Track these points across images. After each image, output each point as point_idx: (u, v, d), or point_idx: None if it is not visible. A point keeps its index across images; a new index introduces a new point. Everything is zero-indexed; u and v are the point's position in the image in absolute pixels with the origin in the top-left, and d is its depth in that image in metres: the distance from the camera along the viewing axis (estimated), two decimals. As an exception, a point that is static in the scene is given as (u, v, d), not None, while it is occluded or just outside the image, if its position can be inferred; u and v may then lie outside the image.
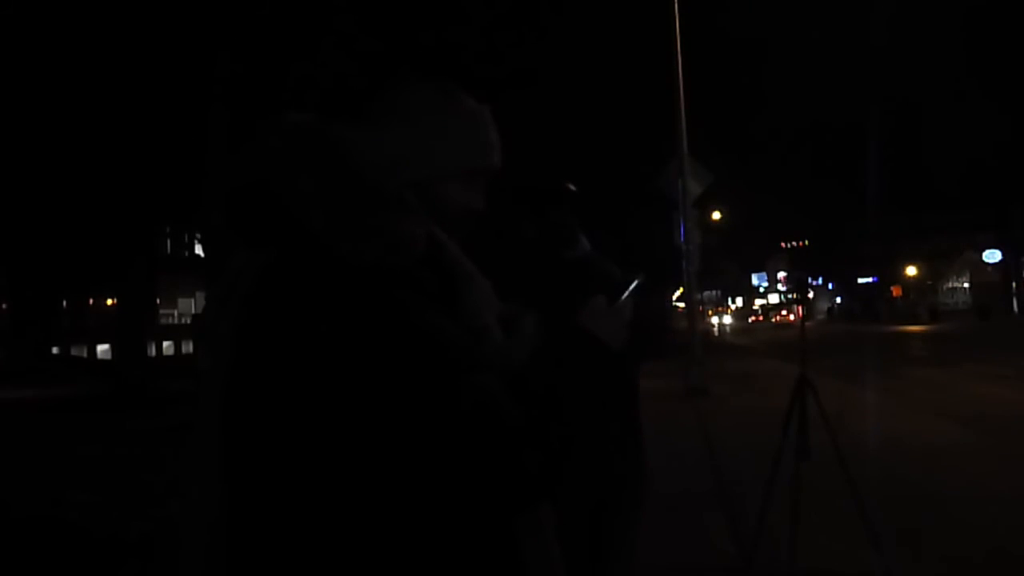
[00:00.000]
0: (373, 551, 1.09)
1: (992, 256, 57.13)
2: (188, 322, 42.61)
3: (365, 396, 1.07)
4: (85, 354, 38.46)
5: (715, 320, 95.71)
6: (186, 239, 39.03)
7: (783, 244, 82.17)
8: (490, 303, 1.28)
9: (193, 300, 43.17)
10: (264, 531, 1.12)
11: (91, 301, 41.35)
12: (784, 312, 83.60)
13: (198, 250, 36.55)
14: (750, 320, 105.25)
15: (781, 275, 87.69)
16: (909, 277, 70.15)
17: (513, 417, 1.10)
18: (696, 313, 16.26)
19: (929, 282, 70.77)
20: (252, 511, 1.13)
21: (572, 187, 2.69)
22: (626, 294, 1.36)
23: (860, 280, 71.68)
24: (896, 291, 70.99)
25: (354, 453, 1.08)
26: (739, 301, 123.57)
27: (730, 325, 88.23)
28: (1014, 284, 50.99)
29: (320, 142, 1.20)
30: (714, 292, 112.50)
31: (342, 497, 1.09)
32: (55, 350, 36.14)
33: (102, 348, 38.19)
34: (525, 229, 2.67)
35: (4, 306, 35.72)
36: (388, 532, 1.09)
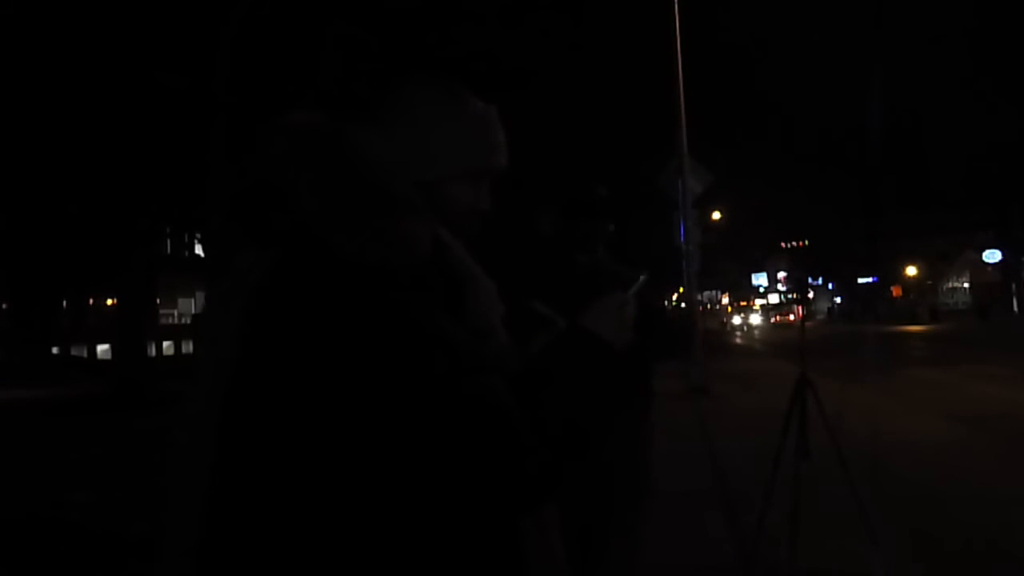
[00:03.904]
0: (377, 550, 1.10)
1: (992, 256, 57.12)
2: (188, 322, 42.55)
3: (369, 396, 1.08)
4: (85, 354, 38.47)
5: (737, 320, 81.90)
6: (186, 239, 39.00)
7: (783, 244, 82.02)
8: (494, 304, 1.28)
9: (193, 300, 43.15)
10: (266, 531, 1.11)
11: (91, 301, 41.34)
12: (783, 313, 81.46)
13: (198, 250, 36.59)
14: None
15: (781, 275, 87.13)
16: (909, 277, 70.16)
17: (517, 418, 1.10)
18: (696, 313, 16.25)
19: (929, 282, 70.76)
20: (253, 509, 1.13)
21: (604, 193, 2.70)
22: (630, 292, 1.36)
23: (860, 280, 71.66)
24: (896, 291, 71.00)
25: (358, 453, 1.09)
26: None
27: (759, 327, 72.13)
28: (1014, 284, 50.96)
29: (327, 142, 1.20)
30: (714, 292, 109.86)
31: (346, 496, 1.09)
32: (55, 350, 36.14)
33: (102, 348, 38.19)
34: (540, 227, 2.69)
35: (4, 306, 35.71)
36: (393, 531, 1.10)
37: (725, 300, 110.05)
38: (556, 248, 2.64)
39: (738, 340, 44.94)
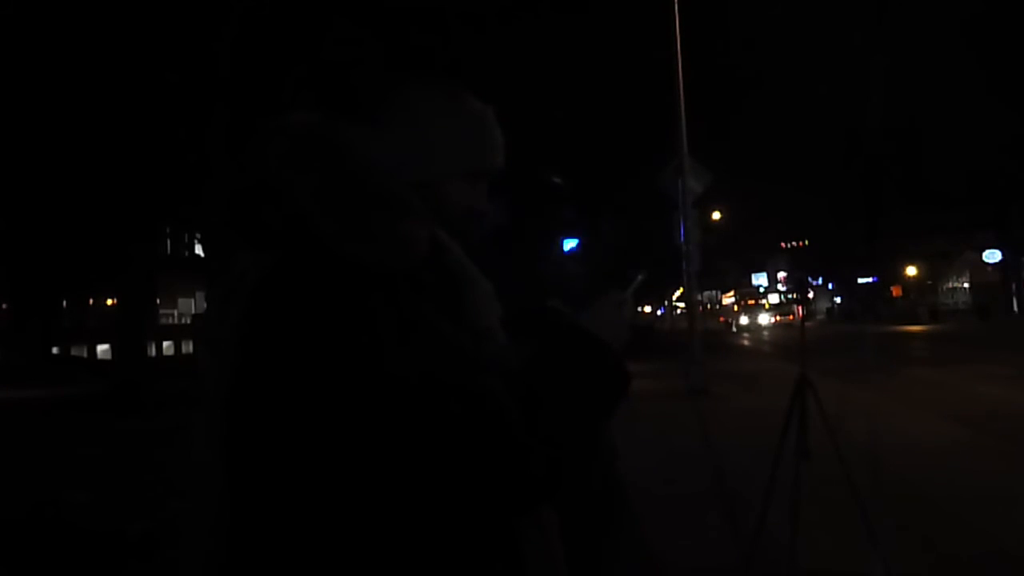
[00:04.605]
0: (376, 551, 1.10)
1: (992, 256, 57.08)
2: (188, 322, 42.60)
3: (367, 397, 1.07)
4: (85, 354, 38.48)
5: (744, 320, 74.08)
6: (186, 239, 39.04)
7: (783, 244, 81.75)
8: (492, 305, 1.28)
9: (193, 300, 43.16)
10: (268, 532, 1.12)
11: (91, 301, 41.36)
12: (783, 313, 78.65)
13: (198, 250, 36.58)
14: None
15: (781, 275, 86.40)
16: (909, 277, 70.13)
17: (516, 419, 1.10)
18: (696, 313, 16.25)
19: (929, 282, 70.73)
20: (255, 512, 1.13)
21: (559, 181, 2.70)
22: (628, 291, 1.35)
23: (860, 280, 71.58)
24: (896, 291, 70.93)
25: (357, 455, 1.08)
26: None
27: (768, 327, 63.46)
28: (1014, 284, 50.92)
29: (324, 142, 1.20)
30: (715, 292, 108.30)
31: (346, 498, 1.09)
32: (55, 350, 36.16)
33: (102, 348, 38.19)
34: (494, 217, 2.68)
35: (4, 306, 35.73)
36: (391, 533, 1.10)
37: (731, 299, 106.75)
38: (513, 237, 2.63)
39: (745, 342, 40.74)
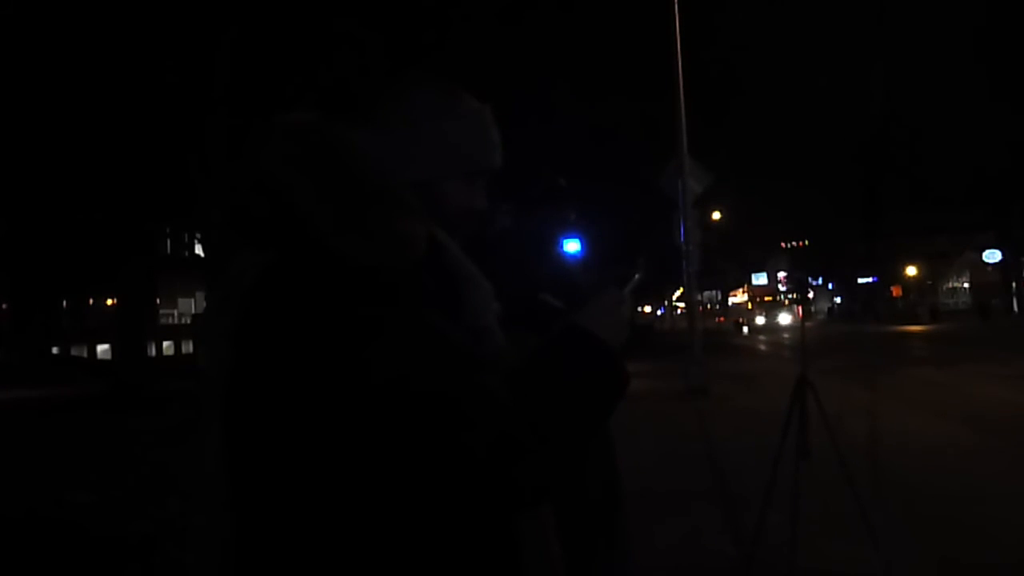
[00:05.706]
0: (375, 550, 1.10)
1: (992, 256, 57.10)
2: (188, 322, 42.61)
3: (366, 397, 1.07)
4: (85, 354, 38.52)
5: (761, 320, 69.12)
6: (186, 239, 39.06)
7: (783, 244, 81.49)
8: (490, 305, 1.28)
9: (193, 300, 43.18)
10: (268, 532, 1.12)
11: (91, 301, 41.38)
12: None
13: (198, 250, 36.59)
14: None
15: (781, 275, 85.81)
16: (909, 277, 70.12)
17: (515, 418, 1.09)
18: (696, 313, 16.24)
19: (929, 282, 70.72)
20: (256, 513, 1.13)
21: (562, 183, 2.70)
22: (626, 290, 1.34)
23: (860, 280, 71.56)
24: (896, 291, 70.91)
25: (355, 455, 1.08)
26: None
27: (788, 328, 56.18)
28: (1014, 284, 50.92)
29: (322, 142, 1.20)
30: (715, 292, 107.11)
31: (343, 498, 1.09)
32: (55, 350, 36.20)
33: (102, 348, 38.23)
34: (497, 220, 2.68)
35: (4, 306, 35.74)
36: (390, 531, 1.10)
37: (740, 297, 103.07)
38: (513, 237, 2.64)
39: (762, 347, 31.98)
